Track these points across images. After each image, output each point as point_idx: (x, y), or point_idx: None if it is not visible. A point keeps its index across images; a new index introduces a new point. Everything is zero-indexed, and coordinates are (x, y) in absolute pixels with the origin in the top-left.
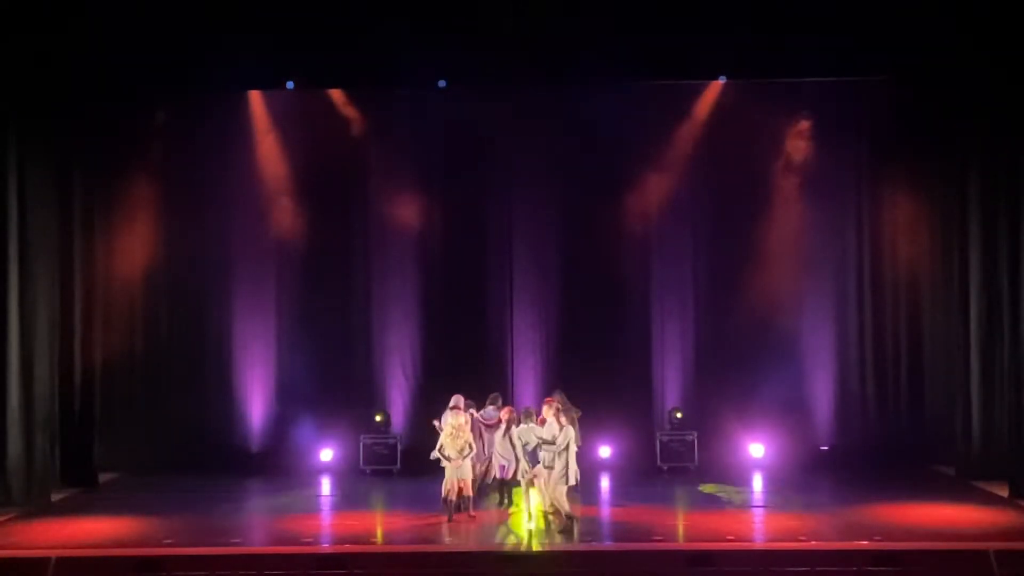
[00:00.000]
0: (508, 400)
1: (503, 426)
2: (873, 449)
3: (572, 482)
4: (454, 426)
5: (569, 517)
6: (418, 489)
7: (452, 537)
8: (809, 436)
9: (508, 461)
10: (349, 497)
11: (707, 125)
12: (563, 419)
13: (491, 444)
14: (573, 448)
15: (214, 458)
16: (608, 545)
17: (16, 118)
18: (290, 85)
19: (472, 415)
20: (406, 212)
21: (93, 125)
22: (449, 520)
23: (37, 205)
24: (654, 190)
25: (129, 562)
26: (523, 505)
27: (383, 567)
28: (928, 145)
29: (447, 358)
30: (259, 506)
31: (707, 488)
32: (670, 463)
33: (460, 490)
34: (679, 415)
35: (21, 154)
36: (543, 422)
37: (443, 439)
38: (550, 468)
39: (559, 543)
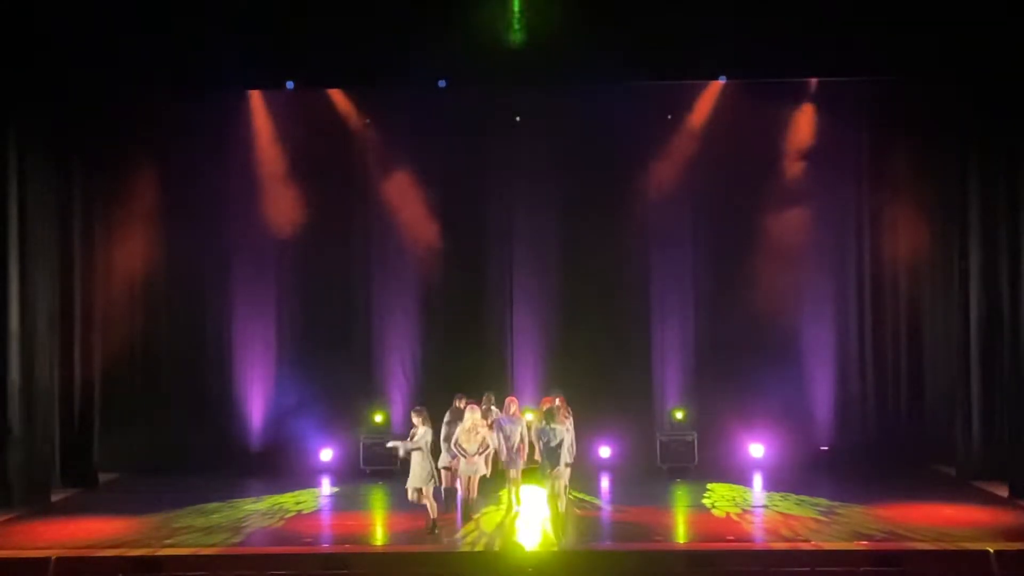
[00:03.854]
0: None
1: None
2: (873, 449)
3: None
4: (473, 422)
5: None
6: None
7: (451, 537)
8: (809, 436)
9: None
10: (349, 497)
11: (707, 125)
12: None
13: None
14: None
15: (214, 458)
16: (608, 545)
17: (16, 118)
18: (290, 85)
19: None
20: (406, 212)
21: (93, 125)
22: (467, 520)
23: (37, 205)
24: (654, 190)
25: (129, 562)
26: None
27: (383, 567)
28: (928, 144)
29: (447, 358)
30: (259, 506)
31: (709, 487)
32: (670, 463)
33: (465, 489)
34: (679, 415)
35: (21, 154)
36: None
37: (459, 435)
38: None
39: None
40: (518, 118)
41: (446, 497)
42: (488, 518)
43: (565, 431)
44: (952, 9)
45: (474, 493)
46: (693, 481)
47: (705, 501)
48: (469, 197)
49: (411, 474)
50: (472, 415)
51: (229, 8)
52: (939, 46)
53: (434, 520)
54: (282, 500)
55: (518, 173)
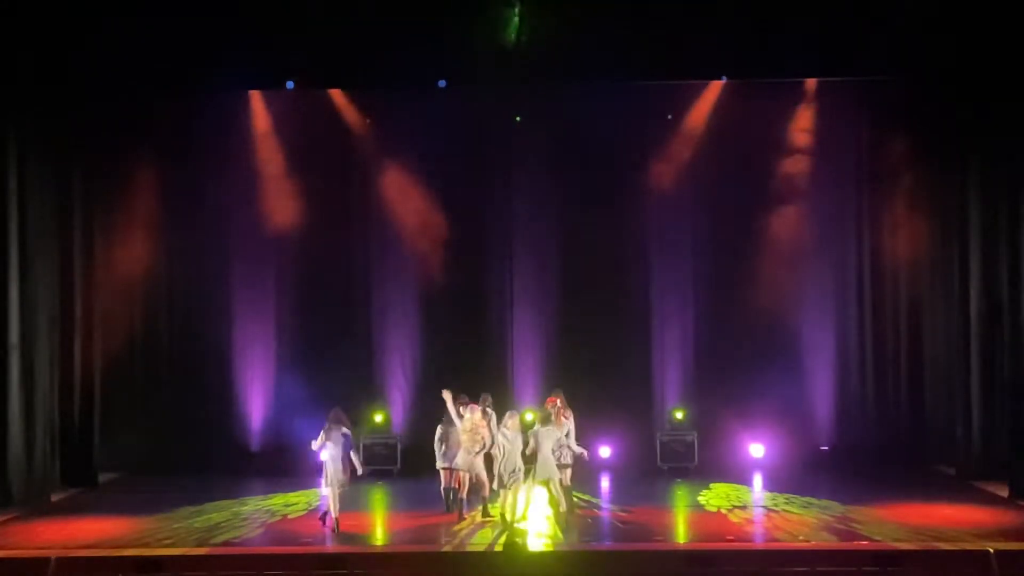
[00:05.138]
0: (509, 400)
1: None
2: (873, 449)
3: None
4: (473, 422)
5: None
6: (418, 489)
7: (451, 537)
8: (809, 436)
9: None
10: (349, 497)
11: (707, 125)
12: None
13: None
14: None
15: (214, 458)
16: (608, 545)
17: (16, 118)
18: (290, 85)
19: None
20: (406, 212)
21: (93, 125)
22: (461, 518)
23: (37, 205)
24: (654, 190)
25: (129, 562)
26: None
27: (383, 567)
28: (928, 145)
29: (447, 358)
30: (259, 506)
31: (710, 486)
32: (670, 463)
33: (462, 487)
34: (679, 415)
35: (21, 154)
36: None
37: (461, 435)
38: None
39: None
40: (518, 118)
41: (445, 497)
42: (488, 517)
43: (560, 432)
44: (952, 9)
45: (484, 491)
46: (693, 481)
47: (703, 501)
48: (469, 197)
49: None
50: (472, 415)
51: (229, 8)
52: (939, 46)
53: (336, 519)
54: (282, 500)
55: (518, 173)
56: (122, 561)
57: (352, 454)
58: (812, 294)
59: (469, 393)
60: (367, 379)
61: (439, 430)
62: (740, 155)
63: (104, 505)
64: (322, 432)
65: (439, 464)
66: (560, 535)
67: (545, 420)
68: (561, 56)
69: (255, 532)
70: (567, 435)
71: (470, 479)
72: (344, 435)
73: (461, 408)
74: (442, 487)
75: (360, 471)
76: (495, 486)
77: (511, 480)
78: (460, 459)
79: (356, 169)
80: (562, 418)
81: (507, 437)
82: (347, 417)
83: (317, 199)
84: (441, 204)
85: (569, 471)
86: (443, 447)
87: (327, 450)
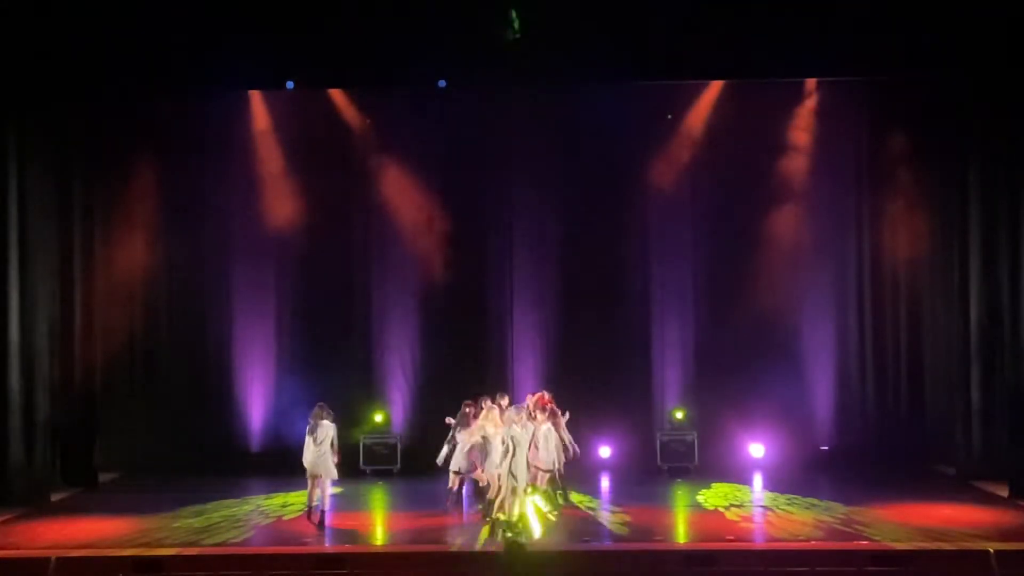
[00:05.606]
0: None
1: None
2: (873, 449)
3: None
4: (485, 424)
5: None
6: (418, 489)
7: (451, 537)
8: (809, 436)
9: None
10: (349, 497)
11: (707, 125)
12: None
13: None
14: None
15: (214, 458)
16: (608, 545)
17: (16, 119)
18: (290, 85)
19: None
20: (406, 212)
21: (93, 125)
22: (462, 518)
23: (37, 205)
24: (654, 190)
25: (129, 562)
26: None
27: (383, 567)
28: (928, 145)
29: (447, 358)
30: (259, 506)
31: (710, 486)
32: (670, 463)
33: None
34: (679, 415)
35: (21, 155)
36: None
37: (466, 438)
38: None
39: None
40: (519, 118)
41: (448, 497)
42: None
43: (527, 432)
44: (952, 8)
45: (491, 492)
46: (693, 481)
47: (702, 500)
48: (469, 197)
49: (321, 463)
50: (484, 417)
51: (229, 8)
52: (939, 45)
53: (322, 512)
54: (282, 500)
55: (518, 173)
56: (121, 561)
57: (333, 444)
58: (812, 294)
59: (469, 393)
60: (367, 379)
61: (451, 432)
62: (740, 155)
63: (104, 505)
64: (308, 428)
65: (452, 467)
66: (537, 535)
67: (524, 419)
68: (561, 56)
69: (254, 532)
70: (545, 435)
71: (478, 480)
72: (328, 427)
73: (469, 409)
74: (448, 486)
75: (336, 459)
76: (502, 485)
77: (516, 479)
78: (467, 461)
79: (356, 169)
80: (538, 418)
81: (515, 436)
82: (329, 410)
83: (317, 199)
84: (441, 204)
85: (547, 475)
86: (454, 448)
87: (314, 443)
